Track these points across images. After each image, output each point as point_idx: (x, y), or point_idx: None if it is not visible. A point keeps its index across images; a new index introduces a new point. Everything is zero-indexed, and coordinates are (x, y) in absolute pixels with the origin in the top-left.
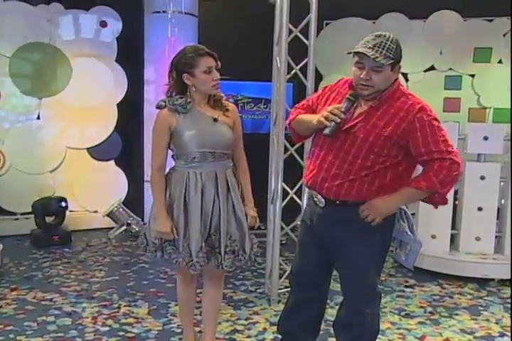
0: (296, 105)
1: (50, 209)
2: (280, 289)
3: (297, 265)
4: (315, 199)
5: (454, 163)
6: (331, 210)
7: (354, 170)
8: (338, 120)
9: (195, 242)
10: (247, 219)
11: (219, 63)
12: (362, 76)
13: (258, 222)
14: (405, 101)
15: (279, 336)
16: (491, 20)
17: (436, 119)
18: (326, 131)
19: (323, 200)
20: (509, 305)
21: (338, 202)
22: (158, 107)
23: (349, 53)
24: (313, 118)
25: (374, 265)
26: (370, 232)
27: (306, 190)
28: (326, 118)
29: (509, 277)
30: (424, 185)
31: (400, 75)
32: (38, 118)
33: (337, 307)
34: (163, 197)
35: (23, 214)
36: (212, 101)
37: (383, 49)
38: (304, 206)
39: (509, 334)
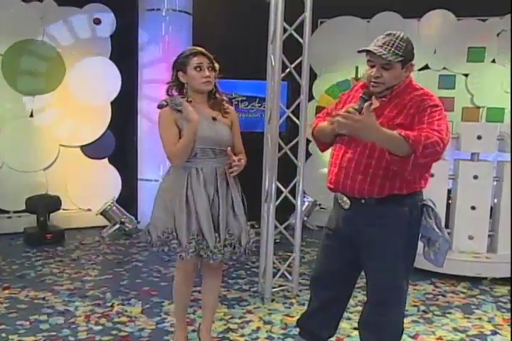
0: (318, 115)
1: (51, 207)
2: (274, 288)
3: (321, 266)
4: (340, 201)
5: (441, 140)
6: (356, 211)
7: (373, 164)
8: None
9: (209, 233)
10: (245, 211)
11: (215, 64)
12: (373, 73)
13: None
14: (415, 93)
15: (297, 329)
16: (484, 20)
17: (436, 106)
18: None
19: (348, 201)
20: (501, 304)
21: (363, 200)
22: (160, 107)
23: (360, 52)
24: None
25: (401, 263)
26: (397, 231)
27: (300, 189)
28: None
29: (501, 276)
30: (412, 138)
31: None
32: (31, 115)
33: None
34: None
35: (15, 212)
36: (211, 101)
37: (392, 46)
38: (299, 205)
39: (501, 332)
